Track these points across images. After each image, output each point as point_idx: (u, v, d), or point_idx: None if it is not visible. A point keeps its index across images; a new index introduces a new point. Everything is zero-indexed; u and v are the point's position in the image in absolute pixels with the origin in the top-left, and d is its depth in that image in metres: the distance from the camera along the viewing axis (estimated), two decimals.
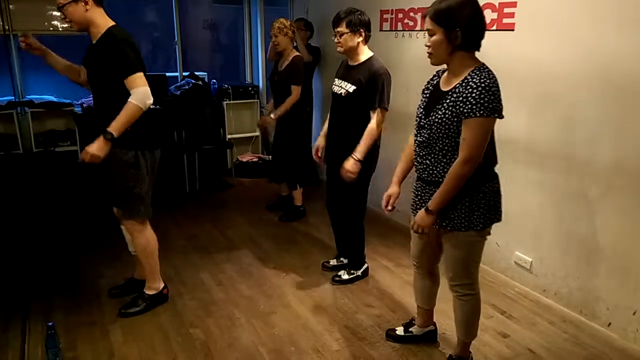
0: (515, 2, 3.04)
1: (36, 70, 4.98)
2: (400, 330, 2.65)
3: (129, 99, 2.46)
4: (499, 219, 2.14)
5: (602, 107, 2.65)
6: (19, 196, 4.55)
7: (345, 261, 3.41)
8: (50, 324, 2.36)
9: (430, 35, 1.96)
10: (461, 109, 1.91)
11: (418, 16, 3.82)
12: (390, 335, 2.67)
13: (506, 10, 3.09)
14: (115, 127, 2.44)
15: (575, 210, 2.86)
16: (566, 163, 2.87)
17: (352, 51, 2.92)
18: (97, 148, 2.44)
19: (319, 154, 3.28)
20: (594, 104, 2.69)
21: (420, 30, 3.83)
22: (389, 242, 3.92)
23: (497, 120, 1.93)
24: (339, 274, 3.30)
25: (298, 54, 4.10)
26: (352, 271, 3.30)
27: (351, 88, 2.90)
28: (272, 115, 4.11)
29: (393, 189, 2.38)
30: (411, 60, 3.98)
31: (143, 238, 2.80)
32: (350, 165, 2.87)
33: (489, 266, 3.45)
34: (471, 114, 1.88)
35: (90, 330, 2.71)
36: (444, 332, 2.70)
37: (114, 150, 2.57)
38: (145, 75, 2.56)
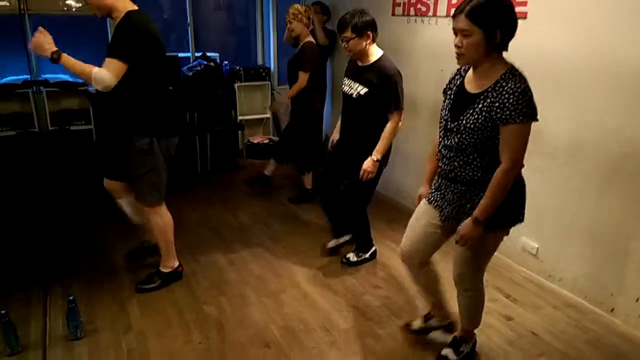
0: None
1: None
2: (417, 324, 2.62)
3: (96, 68, 2.46)
4: (521, 220, 2.09)
5: (611, 97, 2.67)
6: (35, 173, 4.66)
7: (347, 238, 3.50)
8: (71, 297, 2.47)
9: (465, 35, 1.80)
10: (498, 115, 1.83)
11: (431, 1, 3.82)
12: (409, 329, 2.62)
13: None
14: (66, 59, 2.45)
15: (580, 197, 2.90)
16: (573, 151, 2.91)
17: (361, 53, 2.93)
18: (44, 42, 2.44)
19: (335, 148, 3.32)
20: (602, 94, 2.71)
21: (433, 17, 3.83)
22: (395, 224, 3.98)
23: None
24: (348, 256, 3.38)
25: (310, 40, 4.09)
26: (360, 254, 3.38)
27: (362, 90, 2.92)
28: (280, 100, 4.12)
29: (424, 189, 2.30)
30: (423, 46, 3.99)
31: (160, 219, 2.88)
32: (368, 165, 2.96)
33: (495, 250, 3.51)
34: (510, 120, 1.81)
35: (108, 305, 2.82)
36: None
37: (130, 136, 2.67)
38: (152, 67, 2.60)
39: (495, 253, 3.43)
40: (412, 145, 4.23)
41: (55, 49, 2.46)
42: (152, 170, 2.73)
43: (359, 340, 2.59)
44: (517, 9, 3.03)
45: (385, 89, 2.87)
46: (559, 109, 2.95)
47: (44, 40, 2.45)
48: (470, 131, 1.91)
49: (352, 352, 2.50)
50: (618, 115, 2.65)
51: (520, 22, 3.02)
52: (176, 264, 3.06)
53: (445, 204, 2.12)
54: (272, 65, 6.03)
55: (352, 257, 3.37)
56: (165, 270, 3.02)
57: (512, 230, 3.32)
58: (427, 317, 2.62)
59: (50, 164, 4.71)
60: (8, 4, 4.57)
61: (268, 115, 5.99)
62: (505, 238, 3.49)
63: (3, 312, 2.35)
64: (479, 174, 1.98)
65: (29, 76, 4.81)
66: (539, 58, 3.02)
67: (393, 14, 4.26)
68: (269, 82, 5.84)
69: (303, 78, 4.03)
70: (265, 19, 5.99)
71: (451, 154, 2.02)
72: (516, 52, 3.04)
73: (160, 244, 2.97)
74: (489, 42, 1.80)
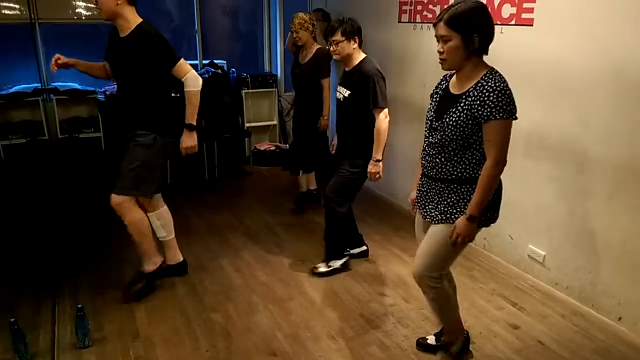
0: None
1: None
2: (431, 340, 2.57)
3: (186, 88, 2.74)
4: (494, 221, 2.14)
5: (617, 105, 2.66)
6: (45, 181, 4.71)
7: (351, 251, 3.49)
8: (79, 306, 2.50)
9: (445, 41, 1.94)
10: (479, 112, 1.92)
11: (437, 8, 3.83)
12: (422, 344, 2.59)
13: (525, 5, 3.09)
14: (190, 116, 2.79)
15: (587, 206, 2.89)
16: (579, 159, 2.90)
17: (348, 57, 3.05)
18: (188, 140, 2.83)
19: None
20: (609, 101, 2.70)
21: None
22: (402, 232, 3.98)
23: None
24: (317, 266, 3.34)
25: (321, 46, 4.09)
26: (329, 264, 3.33)
27: (346, 93, 3.06)
28: (324, 118, 4.13)
29: (414, 194, 2.37)
30: (429, 53, 3.99)
31: (136, 215, 2.88)
32: (372, 167, 3.03)
33: (501, 258, 3.51)
34: (491, 116, 1.90)
35: (116, 312, 2.85)
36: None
37: (136, 132, 2.78)
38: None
39: (501, 260, 3.49)
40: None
41: (193, 136, 2.84)
42: (145, 164, 2.80)
43: (366, 348, 2.59)
44: (523, 16, 3.10)
45: (365, 89, 2.96)
46: (565, 115, 2.95)
47: (187, 144, 2.84)
48: (452, 128, 2.01)
49: None
50: (624, 122, 2.64)
51: (526, 29, 3.10)
52: (160, 259, 3.09)
53: (428, 201, 2.21)
54: (279, 73, 6.06)
55: (321, 267, 3.33)
56: (152, 269, 3.04)
57: (519, 237, 3.35)
58: (439, 334, 2.57)
59: (60, 172, 4.76)
60: (19, 12, 4.65)
61: (275, 122, 6.03)
62: (511, 245, 3.50)
63: (12, 320, 2.38)
64: (459, 171, 2.06)
65: (39, 84, 4.88)
66: (545, 65, 3.02)
67: (399, 21, 4.28)
68: (276, 89, 5.88)
69: (327, 84, 4.07)
70: (273, 26, 6.04)
71: (434, 151, 2.12)
72: (522, 59, 3.04)
73: (141, 242, 2.96)
74: (467, 47, 1.92)
